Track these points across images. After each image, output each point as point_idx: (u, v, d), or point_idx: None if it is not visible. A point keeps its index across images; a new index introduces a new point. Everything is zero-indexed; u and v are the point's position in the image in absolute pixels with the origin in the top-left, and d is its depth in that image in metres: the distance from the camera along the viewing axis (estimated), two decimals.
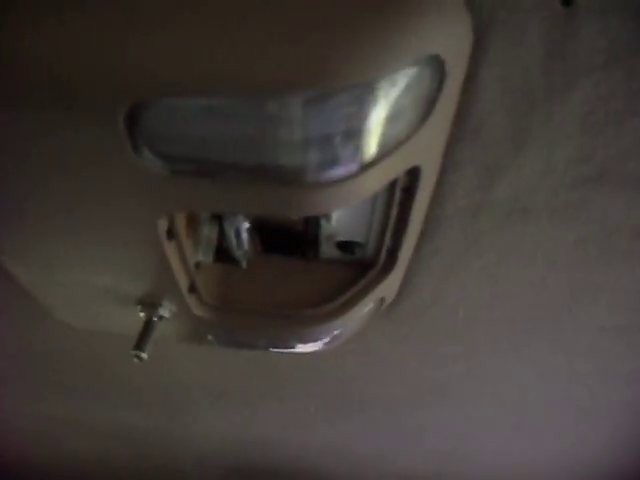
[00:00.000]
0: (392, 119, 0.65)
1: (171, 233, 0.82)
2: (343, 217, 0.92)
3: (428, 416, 1.81)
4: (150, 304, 0.98)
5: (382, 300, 1.10)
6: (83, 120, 0.61)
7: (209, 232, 0.95)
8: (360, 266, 1.03)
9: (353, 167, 0.68)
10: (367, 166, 0.68)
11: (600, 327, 1.25)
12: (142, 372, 1.65)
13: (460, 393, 1.64)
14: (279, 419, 1.92)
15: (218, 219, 0.94)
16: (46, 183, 0.73)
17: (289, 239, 1.02)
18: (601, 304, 1.16)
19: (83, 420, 2.05)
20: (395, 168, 0.73)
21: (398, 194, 0.84)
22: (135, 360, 0.95)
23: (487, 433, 1.96)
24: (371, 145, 0.67)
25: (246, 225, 0.89)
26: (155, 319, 0.98)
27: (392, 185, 0.83)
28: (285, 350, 1.17)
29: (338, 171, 0.67)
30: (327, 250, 1.01)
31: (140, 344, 0.96)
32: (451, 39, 0.62)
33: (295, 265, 1.03)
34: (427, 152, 0.76)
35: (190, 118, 0.62)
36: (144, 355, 0.95)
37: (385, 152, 0.68)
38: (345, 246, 0.99)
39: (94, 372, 1.67)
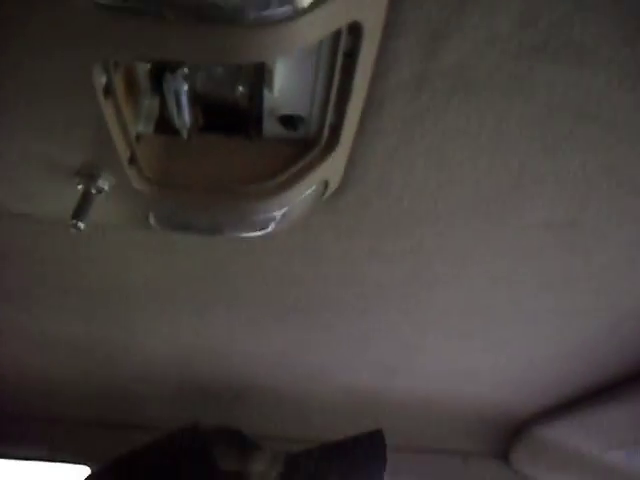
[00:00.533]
0: None
1: (108, 90, 0.79)
2: (285, 87, 0.91)
3: (376, 321, 1.82)
4: (88, 175, 0.96)
5: (326, 184, 1.09)
6: None
7: (150, 102, 0.93)
8: (304, 145, 1.02)
9: (290, 9, 0.67)
10: (305, 10, 0.67)
11: (544, 223, 1.25)
12: (87, 275, 1.62)
13: (407, 296, 1.64)
14: (228, 325, 1.91)
15: (159, 89, 0.92)
16: None
17: (232, 116, 1.01)
18: (546, 195, 1.16)
19: (22, 327, 2.02)
20: (334, 18, 0.72)
21: (340, 59, 0.82)
22: (73, 230, 0.93)
23: (433, 343, 1.97)
24: None
25: (185, 87, 0.87)
26: (93, 191, 0.96)
27: (333, 49, 0.81)
28: (231, 234, 1.16)
29: (276, 12, 0.66)
30: (270, 127, 0.99)
31: (78, 213, 0.94)
32: None
33: (238, 142, 1.02)
34: (369, 7, 0.75)
35: None
36: (82, 225, 0.93)
37: None
38: (288, 121, 0.98)
39: (33, 275, 1.64)
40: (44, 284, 1.70)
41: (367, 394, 2.41)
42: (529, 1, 0.78)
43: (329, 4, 0.68)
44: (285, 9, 0.66)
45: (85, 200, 0.96)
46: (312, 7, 0.67)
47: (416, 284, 1.58)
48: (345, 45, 0.81)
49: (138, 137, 0.95)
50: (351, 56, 0.82)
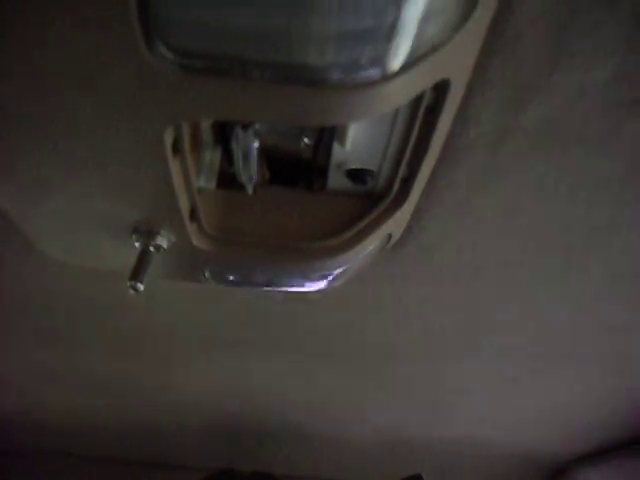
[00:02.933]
0: (428, 18, 0.59)
1: (176, 147, 0.75)
2: (358, 141, 0.86)
3: (420, 366, 1.77)
4: (147, 232, 0.91)
5: (389, 237, 1.04)
6: (87, 6, 0.54)
7: (212, 155, 0.88)
8: (369, 198, 0.97)
9: (380, 71, 0.61)
10: (395, 73, 0.62)
11: (610, 273, 1.20)
12: (127, 319, 1.58)
13: (456, 343, 1.59)
14: (268, 369, 1.87)
15: (222, 142, 0.88)
16: (41, 89, 0.66)
17: (296, 169, 0.96)
18: (615, 247, 1.11)
19: (60, 370, 1.99)
20: (425, 78, 0.67)
21: (422, 113, 0.77)
22: (131, 292, 0.88)
23: (478, 388, 1.92)
24: (402, 47, 0.60)
25: (256, 144, 0.82)
26: (152, 249, 0.92)
27: (416, 103, 0.76)
28: (284, 289, 1.11)
29: (365, 74, 0.61)
30: (336, 180, 0.95)
31: (136, 274, 0.89)
32: None
33: (302, 196, 0.97)
34: (459, 64, 0.70)
35: (212, 3, 0.55)
36: (140, 286, 0.88)
37: (417, 57, 0.62)
38: (356, 175, 0.93)
39: (75, 319, 1.60)
40: (80, 328, 1.66)
41: (404, 437, 2.36)
42: (626, 58, 0.73)
43: (420, 65, 0.63)
44: (374, 72, 0.61)
45: (143, 259, 0.91)
46: (403, 70, 0.62)
47: (467, 331, 1.53)
48: (428, 100, 0.76)
49: (199, 192, 0.90)
50: (433, 111, 0.77)
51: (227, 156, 0.88)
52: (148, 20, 0.55)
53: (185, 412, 2.29)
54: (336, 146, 0.88)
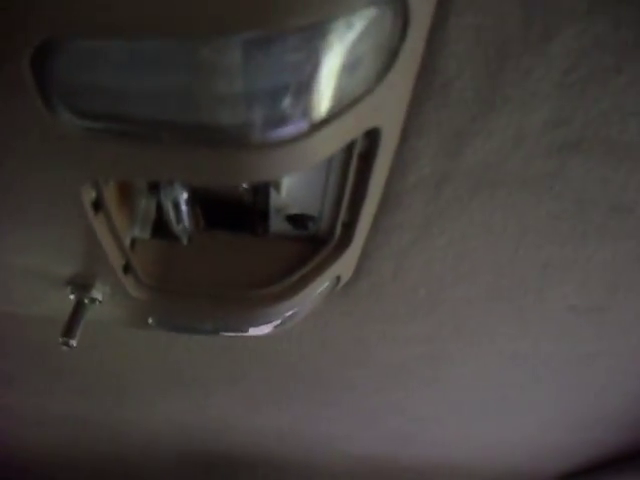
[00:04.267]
0: (347, 70, 0.56)
1: (98, 205, 0.71)
2: (294, 187, 0.83)
3: (387, 398, 1.75)
4: (81, 285, 0.88)
5: (338, 278, 1.01)
6: None
7: (146, 205, 0.85)
8: (313, 241, 0.94)
9: (303, 126, 0.58)
10: (319, 125, 0.59)
11: (569, 307, 1.18)
12: (90, 358, 1.55)
13: (420, 375, 1.57)
14: (232, 403, 1.84)
15: (156, 189, 0.85)
16: None
17: (235, 212, 0.93)
18: (571, 283, 1.09)
19: (28, 408, 1.95)
20: (351, 129, 0.64)
21: (355, 161, 0.75)
22: (64, 348, 0.85)
23: (448, 416, 1.90)
24: (323, 101, 0.58)
25: (185, 196, 0.79)
26: (87, 301, 0.88)
27: (348, 150, 0.74)
28: (234, 334, 1.07)
29: (286, 130, 0.58)
30: (277, 225, 0.92)
31: (69, 330, 0.86)
32: None
33: (242, 241, 0.94)
34: (387, 112, 0.67)
35: (112, 65, 0.52)
36: (73, 342, 0.85)
37: (339, 109, 0.59)
38: (297, 220, 0.90)
39: (35, 358, 1.57)
40: (44, 367, 1.62)
41: (377, 462, 2.33)
42: (563, 100, 0.71)
43: (346, 115, 0.60)
44: (298, 126, 0.58)
45: (77, 312, 0.87)
46: (328, 121, 0.59)
47: (429, 364, 1.51)
48: (360, 147, 0.73)
49: (134, 242, 0.87)
50: (367, 158, 0.74)
51: (161, 206, 0.85)
52: (47, 83, 0.52)
53: (154, 445, 2.26)
54: (274, 192, 0.85)
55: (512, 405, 1.80)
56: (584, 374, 1.54)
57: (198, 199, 0.88)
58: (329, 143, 0.63)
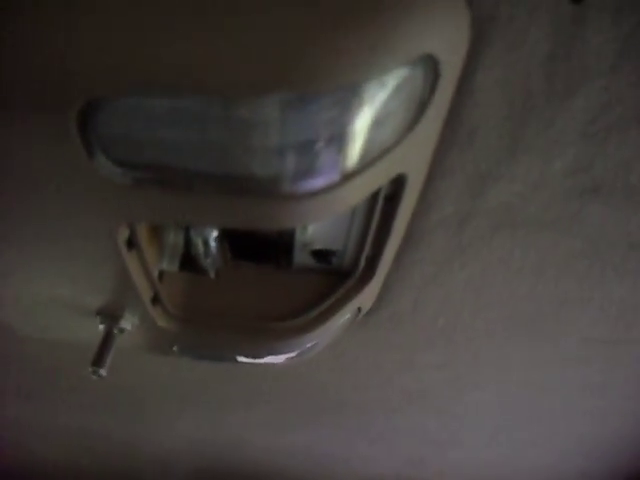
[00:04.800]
0: (378, 125, 0.59)
1: (131, 242, 0.74)
2: (319, 225, 0.85)
3: (401, 422, 1.76)
4: (111, 316, 0.90)
5: (359, 310, 1.03)
6: (30, 121, 0.53)
7: (174, 239, 0.88)
8: (336, 275, 0.96)
9: (334, 177, 0.61)
10: (349, 176, 0.61)
11: (582, 339, 1.20)
12: (109, 376, 1.57)
13: (434, 401, 1.58)
14: (248, 423, 1.86)
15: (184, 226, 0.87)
16: None
17: (261, 246, 0.95)
18: (586, 316, 1.11)
19: (45, 424, 1.98)
20: (380, 177, 0.66)
21: (381, 203, 0.77)
22: (93, 377, 0.87)
23: (460, 442, 1.91)
24: (354, 153, 0.60)
25: (215, 234, 0.82)
26: (116, 331, 0.91)
27: (375, 193, 0.76)
28: (254, 361, 1.09)
29: (317, 182, 0.60)
30: (301, 258, 0.94)
31: (99, 360, 0.88)
32: (447, 37, 0.56)
33: (267, 274, 0.96)
34: (415, 159, 0.69)
35: (152, 121, 0.55)
36: (103, 372, 0.87)
37: (370, 161, 0.62)
38: (321, 255, 0.92)
39: (56, 376, 1.59)
40: (63, 385, 1.64)
41: None
42: (584, 148, 0.73)
43: (372, 168, 0.62)
44: (328, 178, 0.60)
45: (106, 342, 0.90)
46: (357, 172, 0.61)
47: (444, 390, 1.52)
48: (386, 191, 0.75)
49: (161, 274, 0.89)
50: (392, 200, 0.76)
51: (189, 240, 0.87)
52: (90, 135, 0.54)
53: (168, 462, 2.28)
54: (300, 228, 0.87)
55: (525, 433, 1.81)
56: (593, 401, 1.55)
57: (226, 233, 0.90)
58: (357, 192, 0.65)
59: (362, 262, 0.92)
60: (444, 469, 2.15)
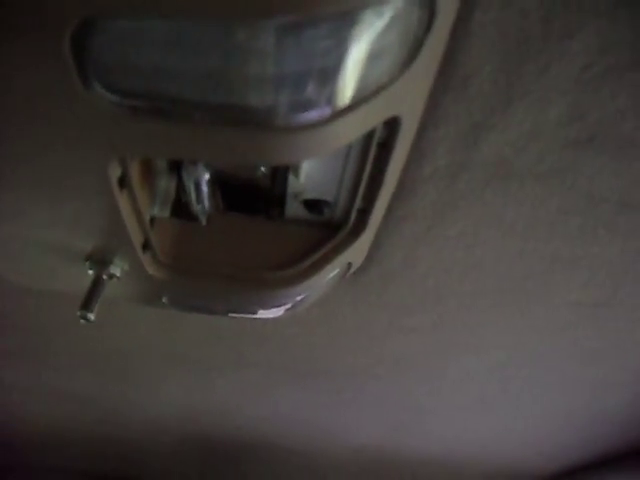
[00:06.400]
0: (373, 58, 0.58)
1: (123, 182, 0.74)
2: (312, 173, 0.85)
3: (387, 388, 1.76)
4: (100, 261, 0.90)
5: (349, 265, 1.03)
6: (21, 42, 0.53)
7: (166, 184, 0.87)
8: (327, 227, 0.96)
9: (327, 111, 0.60)
10: (342, 112, 0.61)
11: (575, 302, 1.20)
12: (96, 336, 1.57)
13: (421, 367, 1.59)
14: (236, 387, 1.86)
15: (177, 170, 0.86)
16: None
17: (253, 196, 0.95)
18: (579, 278, 1.11)
19: (33, 386, 1.97)
20: (373, 116, 0.66)
21: (374, 149, 0.76)
22: (82, 321, 0.87)
23: (448, 408, 1.92)
24: (348, 87, 0.59)
25: (206, 176, 0.81)
26: (105, 277, 0.90)
27: (368, 138, 0.75)
28: (245, 315, 1.09)
29: (309, 115, 0.60)
30: (293, 209, 0.93)
31: (87, 304, 0.88)
32: None
33: (258, 224, 0.96)
34: (409, 102, 0.69)
35: (148, 44, 0.54)
36: (91, 316, 0.87)
37: (363, 97, 0.61)
38: (313, 205, 0.92)
39: (44, 336, 1.58)
40: (50, 345, 1.64)
41: (377, 453, 2.34)
42: (579, 97, 0.73)
43: (366, 105, 0.62)
44: (322, 111, 0.60)
45: (95, 287, 0.89)
46: (351, 108, 0.61)
47: (433, 355, 1.52)
48: (380, 136, 0.75)
49: (152, 220, 0.89)
50: (385, 147, 0.76)
51: (181, 186, 0.87)
52: (84, 60, 0.54)
53: (156, 427, 2.28)
54: (292, 177, 0.87)
55: (513, 400, 1.82)
56: (586, 370, 1.55)
57: (217, 181, 0.90)
58: (350, 130, 0.65)
59: (354, 214, 0.92)
60: (428, 436, 2.16)
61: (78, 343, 1.63)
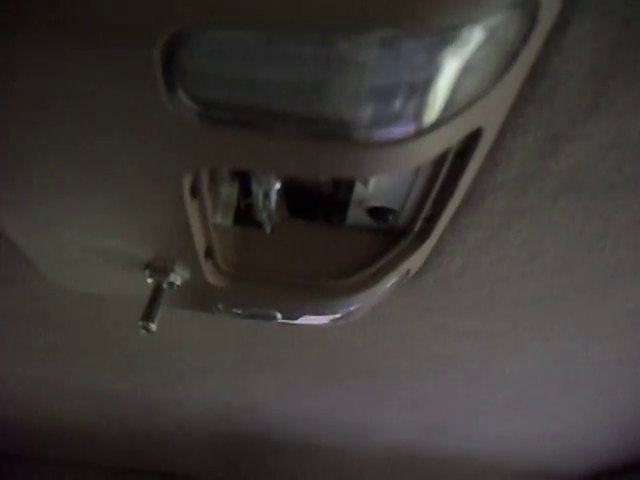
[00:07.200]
0: (468, 72, 0.56)
1: (195, 190, 0.72)
2: (380, 181, 0.83)
3: (427, 389, 1.74)
4: (160, 269, 0.88)
5: (408, 272, 1.01)
6: (110, 50, 0.51)
7: (229, 191, 0.85)
8: (389, 234, 0.93)
9: (412, 127, 0.58)
10: (428, 128, 0.58)
11: (628, 310, 1.17)
12: (132, 336, 1.55)
13: (465, 369, 1.57)
14: (273, 387, 1.84)
15: (239, 177, 0.84)
16: (57, 130, 0.62)
17: (314, 201, 0.93)
18: (637, 287, 1.08)
19: (68, 382, 1.96)
20: (457, 131, 0.64)
21: (450, 159, 0.74)
22: (142, 332, 0.85)
23: (485, 411, 1.90)
24: (438, 102, 0.57)
25: (277, 186, 0.79)
26: (165, 286, 0.88)
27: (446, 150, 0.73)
28: (298, 322, 1.07)
29: (396, 130, 0.58)
30: (355, 216, 0.91)
31: (148, 314, 0.86)
32: None
33: (319, 231, 0.94)
34: (493, 114, 0.66)
35: (239, 56, 0.52)
36: (153, 326, 0.85)
37: (450, 114, 0.59)
38: (377, 212, 0.89)
39: (82, 334, 1.57)
40: (83, 343, 1.63)
41: (412, 452, 2.33)
42: None
43: (455, 120, 0.59)
44: (407, 128, 0.58)
45: (155, 297, 0.88)
46: (436, 125, 0.59)
47: (476, 359, 1.50)
48: (458, 146, 0.72)
49: (215, 227, 0.87)
50: (463, 156, 0.74)
51: (245, 193, 0.85)
52: (172, 69, 0.52)
53: (187, 424, 2.27)
54: (358, 184, 0.84)
55: (550, 403, 1.80)
56: (629, 375, 1.53)
57: (284, 189, 0.88)
58: (435, 145, 0.63)
59: (419, 223, 0.89)
60: (463, 436, 2.14)
61: (110, 342, 1.61)
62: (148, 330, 0.85)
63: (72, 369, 1.85)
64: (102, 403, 2.14)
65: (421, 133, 0.59)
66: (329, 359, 1.57)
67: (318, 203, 0.93)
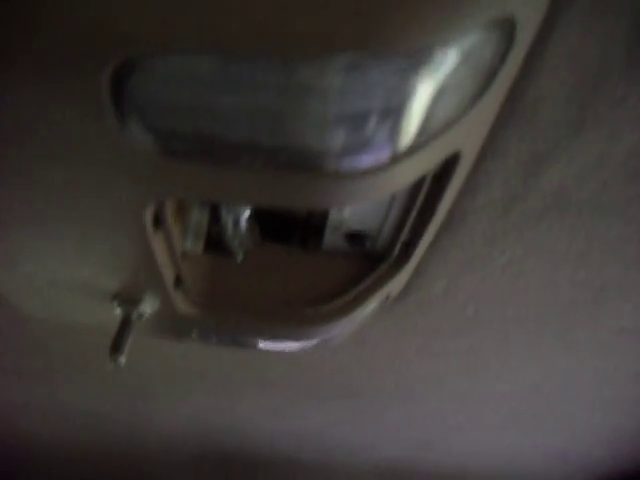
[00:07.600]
0: (443, 95, 0.52)
1: (158, 221, 0.68)
2: (357, 205, 0.79)
3: (416, 407, 1.71)
4: (128, 299, 0.84)
5: (387, 296, 0.97)
6: (58, 82, 0.47)
7: (199, 218, 0.81)
8: (366, 259, 0.90)
9: (386, 155, 0.54)
10: (403, 154, 0.55)
11: (620, 328, 1.14)
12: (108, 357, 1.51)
13: (451, 388, 1.53)
14: (258, 406, 1.80)
15: (209, 204, 0.81)
16: (11, 162, 0.59)
17: (288, 226, 0.89)
18: (627, 305, 1.05)
19: (50, 405, 1.92)
20: (433, 156, 0.60)
21: (428, 184, 0.70)
22: (112, 365, 0.81)
23: (471, 427, 1.87)
24: (412, 127, 0.53)
25: (247, 214, 0.75)
26: (134, 316, 0.84)
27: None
28: (276, 348, 1.04)
29: (368, 159, 0.54)
30: (332, 241, 0.87)
31: (117, 346, 0.82)
32: None
33: (294, 257, 0.90)
34: (471, 137, 0.63)
35: (193, 84, 0.48)
36: (122, 359, 0.81)
37: (426, 138, 0.55)
38: (353, 238, 0.86)
39: (61, 356, 1.53)
40: (67, 363, 1.59)
41: (400, 471, 2.29)
42: None
43: (431, 143, 0.56)
44: (379, 156, 0.54)
45: (124, 328, 0.83)
46: (412, 151, 0.55)
47: (462, 377, 1.47)
48: (435, 170, 0.69)
49: (184, 255, 0.83)
50: (440, 180, 0.70)
51: (215, 219, 0.81)
52: (123, 101, 0.48)
53: (174, 443, 2.23)
54: (335, 211, 0.81)
55: (542, 419, 1.77)
56: (623, 391, 1.51)
57: (253, 216, 0.84)
58: (409, 173, 0.59)
59: (398, 247, 0.86)
60: (451, 453, 2.11)
61: (95, 363, 1.57)
62: (117, 363, 0.81)
63: (52, 391, 1.81)
64: (86, 423, 2.10)
65: (395, 160, 0.55)
66: (313, 380, 1.54)
67: (293, 228, 0.90)
